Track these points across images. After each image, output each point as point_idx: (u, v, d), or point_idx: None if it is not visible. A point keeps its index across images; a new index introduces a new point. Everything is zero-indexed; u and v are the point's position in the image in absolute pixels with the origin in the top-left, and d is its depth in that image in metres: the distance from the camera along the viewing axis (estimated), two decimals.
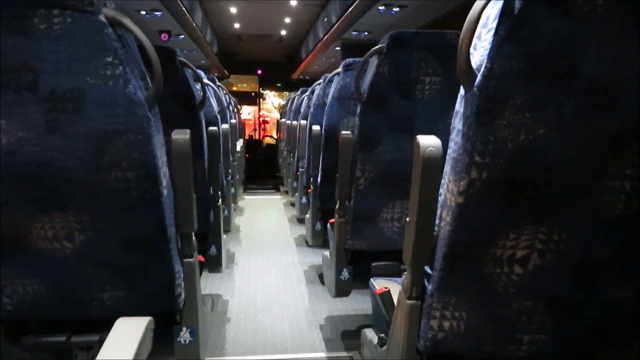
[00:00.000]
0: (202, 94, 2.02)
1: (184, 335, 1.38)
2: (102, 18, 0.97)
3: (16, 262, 1.15)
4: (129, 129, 1.03)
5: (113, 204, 1.10)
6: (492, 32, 0.82)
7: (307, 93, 4.15)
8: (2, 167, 1.03)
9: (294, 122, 4.84)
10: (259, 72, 11.56)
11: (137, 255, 1.18)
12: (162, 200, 1.12)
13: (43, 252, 1.14)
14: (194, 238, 1.38)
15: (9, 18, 0.96)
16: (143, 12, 3.81)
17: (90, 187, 1.07)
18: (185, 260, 1.34)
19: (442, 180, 0.96)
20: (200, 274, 1.67)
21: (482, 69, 0.82)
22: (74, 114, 1.01)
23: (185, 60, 1.88)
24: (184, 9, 4.19)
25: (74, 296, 1.21)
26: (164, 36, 4.80)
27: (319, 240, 3.09)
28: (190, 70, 1.92)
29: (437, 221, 0.98)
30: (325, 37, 5.67)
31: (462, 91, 0.89)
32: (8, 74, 0.98)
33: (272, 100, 12.29)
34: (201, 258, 1.50)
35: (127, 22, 1.00)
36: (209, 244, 2.38)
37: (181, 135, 1.24)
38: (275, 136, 10.44)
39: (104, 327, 1.25)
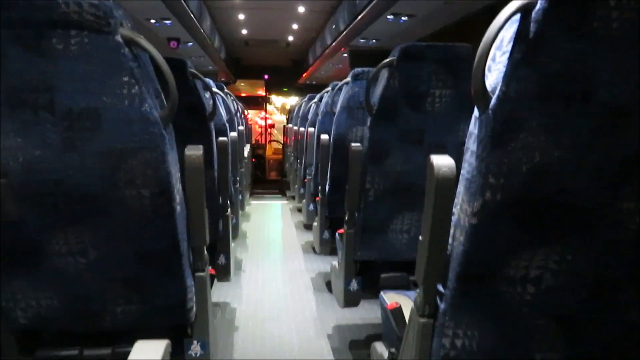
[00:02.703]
0: (212, 103, 2.04)
1: (195, 349, 1.39)
2: (118, 38, 0.99)
3: (31, 277, 1.17)
4: (144, 147, 1.04)
5: (127, 219, 1.11)
6: (507, 54, 0.83)
7: (315, 100, 4.16)
8: (19, 184, 1.05)
9: (302, 129, 4.85)
10: (266, 76, 11.59)
11: (149, 269, 1.19)
12: (175, 216, 1.14)
13: (57, 266, 1.15)
14: (205, 252, 1.38)
15: (27, 38, 0.98)
16: (153, 21, 3.83)
17: (105, 204, 1.08)
18: (197, 274, 1.35)
19: (456, 200, 0.96)
20: (212, 284, 1.68)
21: (497, 92, 0.82)
22: (90, 133, 1.02)
23: (195, 71, 1.89)
24: (193, 17, 4.21)
25: (87, 310, 1.22)
26: (173, 44, 4.82)
27: (327, 249, 3.09)
28: (199, 82, 1.94)
29: (450, 240, 0.98)
30: (333, 44, 5.68)
31: (476, 112, 0.89)
32: (25, 94, 0.99)
33: (274, 101, 12.30)
34: (212, 271, 1.51)
35: (143, 41, 1.02)
36: (217, 253, 2.39)
37: (194, 152, 1.25)
38: (281, 140, 10.47)
39: (116, 340, 1.26)
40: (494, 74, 0.85)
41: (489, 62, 0.87)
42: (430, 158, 0.97)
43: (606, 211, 0.89)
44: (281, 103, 12.05)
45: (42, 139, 1.02)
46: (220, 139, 2.23)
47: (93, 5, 0.97)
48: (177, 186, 1.15)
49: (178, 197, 1.15)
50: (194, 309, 1.32)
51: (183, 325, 1.34)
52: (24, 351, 1.27)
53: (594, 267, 0.94)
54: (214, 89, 2.41)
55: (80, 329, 1.26)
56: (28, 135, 1.01)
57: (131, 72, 1.00)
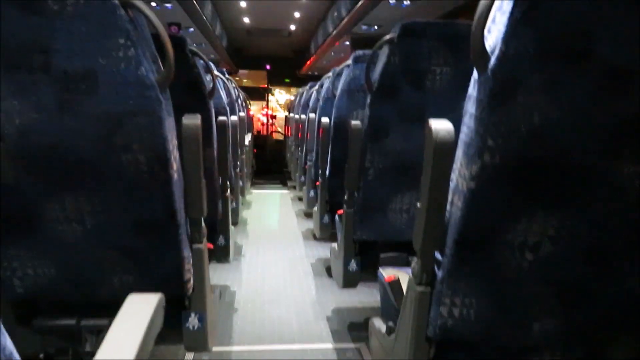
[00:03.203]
0: (212, 84, 2.02)
1: (193, 321, 1.39)
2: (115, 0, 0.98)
3: (27, 244, 1.16)
4: (141, 111, 1.03)
5: (124, 186, 1.10)
6: (507, 15, 0.81)
7: (316, 87, 4.14)
8: (15, 148, 1.04)
9: (303, 116, 4.83)
10: (268, 67, 11.55)
11: (146, 238, 1.18)
12: (172, 184, 1.13)
13: (54, 234, 1.15)
14: (203, 224, 1.38)
15: None
16: (153, 4, 3.82)
17: (101, 169, 1.08)
18: (194, 245, 1.34)
19: (454, 165, 0.95)
20: (210, 259, 1.67)
21: (497, 52, 0.81)
22: (86, 95, 1.01)
23: (195, 49, 1.88)
24: (194, 1, 4.19)
25: (84, 279, 1.22)
26: (174, 28, 4.81)
27: (326, 233, 3.09)
28: (201, 61, 1.93)
29: (448, 206, 0.97)
30: (335, 31, 5.64)
31: (475, 75, 0.88)
32: (21, 54, 0.99)
33: (277, 98, 12.20)
34: (210, 245, 1.50)
35: (140, 4, 1.01)
36: (217, 234, 2.39)
37: (192, 120, 1.24)
38: (282, 131, 10.45)
39: (113, 310, 1.26)
40: (494, 35, 0.84)
41: (488, 23, 0.86)
42: (428, 122, 0.96)
43: (606, 174, 0.88)
44: (285, 100, 11.94)
45: (38, 101, 1.01)
46: (220, 118, 2.22)
47: None
48: (174, 154, 1.14)
49: (175, 165, 1.14)
50: (192, 281, 1.32)
51: (181, 297, 1.34)
52: (21, 320, 1.27)
53: (593, 234, 0.93)
54: (215, 72, 2.39)
55: (78, 299, 1.25)
56: (24, 97, 1.01)
57: (127, 34, 0.99)
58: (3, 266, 1.18)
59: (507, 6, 0.82)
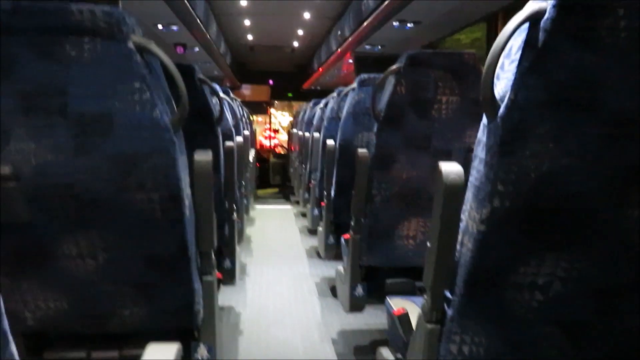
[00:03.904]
0: (219, 108, 2.05)
1: (202, 352, 1.40)
2: (130, 45, 1.00)
3: (40, 279, 1.18)
4: (155, 152, 1.05)
5: (136, 224, 1.12)
6: (516, 63, 0.84)
7: (321, 105, 4.18)
8: (31, 187, 1.06)
9: (307, 134, 4.86)
10: (271, 82, 11.61)
11: (158, 273, 1.20)
12: (184, 221, 1.15)
13: (66, 269, 1.16)
14: (213, 256, 1.40)
15: (41, 45, 0.99)
16: (160, 27, 3.86)
17: (115, 208, 1.10)
18: (205, 278, 1.36)
19: (464, 206, 0.97)
20: (219, 288, 1.69)
21: (506, 100, 0.83)
22: (102, 137, 1.03)
23: (203, 77, 1.91)
24: (199, 22, 4.24)
25: (95, 312, 1.23)
26: (180, 49, 4.85)
27: (331, 253, 3.10)
28: (206, 87, 1.96)
29: (457, 247, 0.99)
30: (338, 50, 5.70)
31: (484, 120, 0.90)
32: (39, 98, 1.01)
33: (280, 120, 12.15)
34: (219, 275, 1.52)
35: (155, 48, 1.03)
36: (223, 257, 2.40)
37: (204, 157, 1.26)
38: (285, 146, 10.47)
39: (124, 343, 1.27)
40: (503, 82, 0.86)
41: (497, 70, 0.88)
42: (438, 165, 0.98)
43: (614, 219, 0.89)
44: (287, 122, 11.89)
45: (54, 143, 1.03)
46: (227, 143, 2.24)
47: (106, 13, 0.98)
48: (187, 191, 1.16)
49: (187, 201, 1.16)
50: (201, 312, 1.33)
51: (190, 328, 1.35)
52: (31, 353, 1.28)
53: (602, 275, 0.94)
54: (221, 95, 2.43)
55: (88, 331, 1.26)
56: (40, 139, 1.03)
57: (142, 79, 1.01)
58: (15, 299, 1.20)
59: (516, 55, 0.85)
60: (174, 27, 3.87)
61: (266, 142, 11.49)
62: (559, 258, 0.92)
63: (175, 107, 1.11)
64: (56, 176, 1.06)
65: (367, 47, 4.71)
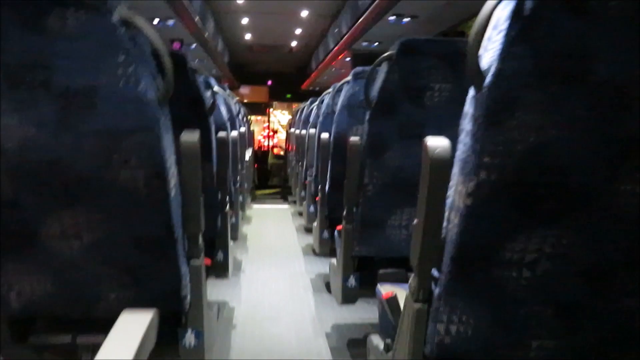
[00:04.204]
0: (211, 99, 2.04)
1: (189, 338, 1.38)
2: (115, 18, 0.99)
3: (24, 260, 1.16)
4: (139, 128, 1.04)
5: (121, 202, 1.10)
6: (503, 33, 0.82)
7: (317, 102, 4.17)
8: (14, 164, 1.05)
9: (303, 132, 4.85)
10: (269, 82, 11.62)
11: (144, 254, 1.18)
12: (170, 200, 1.13)
13: (51, 250, 1.15)
14: (201, 240, 1.38)
15: (25, 16, 0.98)
16: (156, 21, 3.86)
17: (100, 185, 1.08)
18: (192, 261, 1.34)
19: (451, 182, 0.95)
20: (208, 276, 1.67)
21: (492, 70, 0.82)
22: (86, 112, 1.02)
23: (195, 66, 1.90)
24: (196, 18, 4.24)
25: (81, 295, 1.22)
26: (176, 45, 4.85)
27: (326, 248, 3.08)
28: (201, 77, 1.94)
29: (444, 223, 0.97)
30: (336, 47, 5.70)
31: (471, 92, 0.89)
32: (22, 72, 1.00)
33: (280, 119, 12.15)
34: (208, 261, 1.50)
35: (140, 22, 1.02)
36: (216, 249, 2.38)
37: (190, 136, 1.25)
38: (282, 146, 10.47)
39: (110, 327, 1.25)
40: (490, 53, 0.85)
41: (484, 41, 0.87)
42: (425, 139, 0.96)
43: (604, 193, 0.88)
44: (287, 120, 11.90)
45: (38, 117, 1.02)
46: (220, 133, 2.23)
47: None
48: (173, 170, 1.14)
49: (173, 181, 1.15)
50: (189, 297, 1.31)
51: (177, 313, 1.33)
52: (17, 337, 1.26)
53: (591, 252, 0.93)
54: (215, 88, 2.41)
55: (74, 316, 1.25)
56: (24, 113, 1.01)
57: (127, 52, 1.00)
58: (0, 282, 1.18)
59: (503, 24, 0.83)
60: (170, 22, 3.87)
61: (265, 142, 11.49)
62: (547, 234, 0.91)
63: (161, 83, 1.10)
64: (40, 151, 1.04)
65: (364, 44, 4.72)
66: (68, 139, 1.03)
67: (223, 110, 2.76)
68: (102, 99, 1.02)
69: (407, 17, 3.52)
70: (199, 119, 1.94)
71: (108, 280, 1.20)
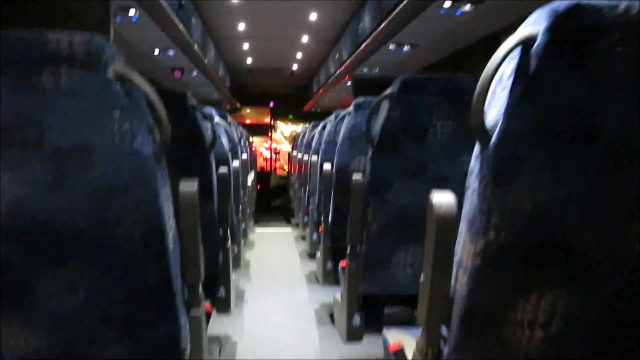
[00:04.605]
0: (212, 134, 2.02)
1: None
2: (110, 74, 0.97)
3: (18, 316, 1.13)
4: (135, 184, 1.01)
5: (118, 259, 1.07)
6: (507, 90, 0.80)
7: (319, 128, 4.16)
8: (5, 223, 1.02)
9: (305, 156, 4.84)
10: (271, 104, 11.66)
11: (141, 309, 1.15)
12: (167, 254, 1.10)
13: (45, 306, 1.11)
14: (200, 289, 1.34)
15: (17, 75, 0.96)
16: (156, 52, 3.87)
17: (95, 243, 1.05)
18: (192, 312, 1.30)
19: (458, 238, 0.92)
20: (209, 320, 1.63)
21: (498, 129, 0.80)
22: (79, 170, 0.99)
23: (195, 104, 1.89)
24: (196, 47, 4.26)
25: (77, 352, 1.18)
26: (177, 73, 4.86)
27: (330, 279, 3.04)
28: (199, 113, 1.93)
29: (452, 281, 0.94)
30: (337, 73, 5.73)
31: (476, 149, 0.86)
32: (14, 131, 0.97)
33: (282, 130, 12.19)
34: (208, 307, 1.47)
35: (135, 77, 1.00)
36: (217, 286, 2.34)
37: (188, 187, 1.22)
38: (286, 168, 10.45)
39: None
40: (495, 110, 0.82)
41: (489, 97, 0.84)
42: (430, 196, 0.93)
43: (615, 253, 0.84)
44: (290, 131, 11.93)
45: (30, 176, 0.99)
46: (221, 169, 2.21)
47: (84, 42, 0.95)
48: (170, 223, 1.11)
49: (171, 234, 1.12)
50: (188, 348, 1.27)
51: None
52: None
53: (604, 311, 0.89)
54: (216, 119, 2.40)
55: None
56: (16, 173, 0.99)
57: (122, 109, 0.98)
58: None
59: (508, 81, 0.81)
60: (171, 52, 3.88)
61: (267, 164, 11.48)
62: (558, 294, 0.87)
63: (158, 137, 1.08)
64: (32, 211, 1.01)
65: (365, 69, 4.73)
66: (61, 198, 1.01)
67: (224, 140, 2.75)
68: (96, 157, 0.99)
69: (407, 45, 3.53)
70: (199, 155, 1.93)
71: (104, 336, 1.16)
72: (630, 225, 0.82)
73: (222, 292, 2.37)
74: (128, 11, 2.83)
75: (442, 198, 0.93)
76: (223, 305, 2.39)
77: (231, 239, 2.57)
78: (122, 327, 1.16)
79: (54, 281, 1.09)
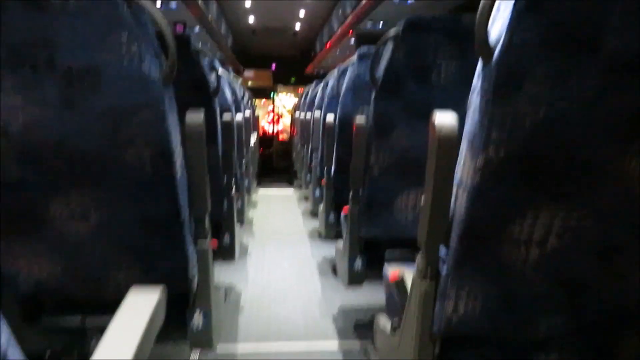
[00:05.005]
0: (216, 82, 2.02)
1: (197, 319, 1.38)
2: None
3: (32, 241, 1.16)
4: (144, 106, 1.03)
5: (128, 182, 1.10)
6: (511, 4, 0.80)
7: (322, 85, 4.13)
8: (19, 144, 1.04)
9: (308, 115, 4.83)
10: (273, 66, 11.54)
11: (151, 235, 1.18)
12: (176, 180, 1.13)
13: (59, 231, 1.15)
14: (207, 222, 1.38)
15: None
16: (158, 4, 3.82)
17: (106, 165, 1.07)
18: (199, 243, 1.34)
19: (459, 159, 0.94)
20: (214, 258, 1.67)
21: (501, 41, 0.80)
22: (90, 91, 1.01)
23: (200, 48, 1.88)
24: (199, 1, 4.20)
25: (89, 276, 1.22)
26: (179, 27, 4.81)
27: (332, 232, 3.08)
28: (205, 60, 1.93)
29: (452, 200, 0.96)
30: (340, 29, 5.64)
31: (479, 66, 0.87)
32: (25, 51, 0.98)
33: (284, 103, 12.05)
34: (214, 243, 1.50)
35: (143, 0, 1.00)
36: (222, 233, 2.38)
37: (195, 117, 1.24)
38: (287, 132, 10.42)
39: (118, 308, 1.26)
40: (498, 24, 0.83)
41: (493, 12, 0.85)
42: (433, 115, 0.95)
43: (614, 168, 0.86)
44: (292, 104, 11.78)
45: (42, 97, 1.01)
46: (225, 116, 2.22)
47: None
48: (178, 150, 1.14)
49: (179, 161, 1.14)
50: (196, 278, 1.32)
51: (185, 294, 1.34)
52: (26, 319, 1.27)
53: (600, 229, 0.91)
54: (219, 69, 2.39)
55: (83, 296, 1.25)
56: (28, 93, 1.01)
57: (130, 30, 0.98)
58: (8, 262, 1.18)
59: None
60: (173, 4, 3.82)
61: (269, 128, 11.43)
62: (556, 211, 0.89)
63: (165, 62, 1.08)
64: (45, 132, 1.03)
65: (369, 24, 4.65)
66: (73, 118, 1.03)
67: (227, 92, 2.74)
68: (105, 78, 1.01)
69: None
70: (203, 100, 1.93)
71: (116, 260, 1.20)
72: (632, 140, 0.83)
73: (226, 239, 2.41)
74: None
75: (444, 118, 0.94)
76: (227, 252, 2.43)
77: (235, 188, 2.60)
78: (133, 253, 1.20)
79: (67, 206, 1.12)
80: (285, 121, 11.50)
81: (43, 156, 1.06)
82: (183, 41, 1.81)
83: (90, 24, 0.98)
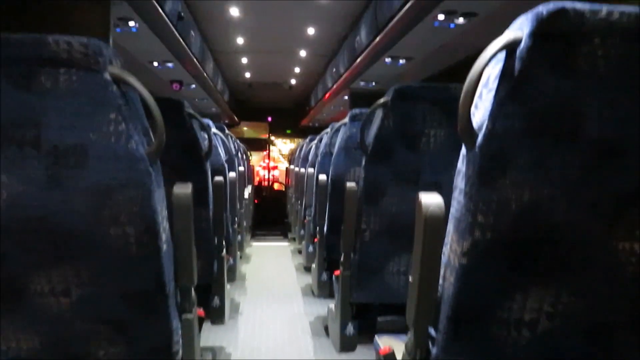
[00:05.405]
0: (208, 143, 2.04)
1: None
2: (107, 76, 0.99)
3: (11, 316, 1.13)
4: (130, 184, 1.03)
5: (111, 258, 1.08)
6: (493, 92, 0.82)
7: (315, 141, 4.19)
8: (2, 220, 1.03)
9: (302, 170, 4.86)
10: (269, 118, 11.72)
11: (134, 310, 1.15)
12: (161, 255, 1.11)
13: (39, 306, 1.12)
14: (193, 293, 1.35)
15: (16, 76, 0.98)
16: (155, 64, 3.91)
17: (89, 242, 1.06)
18: (184, 315, 1.31)
19: (446, 239, 0.94)
20: (201, 326, 1.63)
21: (484, 129, 0.82)
22: (76, 169, 1.01)
23: (192, 112, 1.91)
24: (195, 60, 4.30)
25: (70, 352, 1.18)
26: (176, 86, 4.90)
27: (325, 290, 3.03)
28: (197, 123, 1.96)
29: (440, 281, 0.95)
30: (334, 86, 5.78)
31: (463, 150, 0.88)
32: (12, 130, 0.99)
33: (280, 148, 12.20)
34: (201, 313, 1.47)
35: (132, 80, 1.02)
36: (211, 295, 2.34)
37: (182, 190, 1.24)
38: (283, 182, 10.46)
39: None
40: (481, 111, 0.85)
41: (475, 99, 0.87)
42: (419, 196, 0.95)
43: (601, 251, 0.86)
44: (288, 150, 11.94)
45: (27, 175, 1.01)
46: (216, 178, 2.22)
47: (82, 44, 0.98)
48: (164, 225, 1.13)
49: (164, 235, 1.13)
50: (180, 353, 1.27)
51: None
52: None
53: (591, 310, 0.90)
54: (213, 130, 2.43)
55: None
56: (13, 171, 1.01)
57: (118, 109, 1.00)
58: None
59: (494, 83, 0.83)
60: (170, 64, 3.92)
61: (264, 174, 11.48)
62: (545, 293, 0.88)
63: (153, 139, 1.09)
64: (28, 209, 1.03)
65: (362, 83, 4.77)
66: (57, 196, 1.02)
67: (221, 152, 2.77)
68: (92, 156, 1.01)
69: (402, 58, 3.58)
70: (194, 164, 1.94)
71: (97, 337, 1.17)
72: (617, 222, 0.84)
73: (216, 301, 2.36)
74: (128, 22, 2.86)
75: (430, 199, 0.94)
76: (217, 315, 2.38)
77: (226, 250, 2.57)
78: (115, 329, 1.17)
79: (48, 281, 1.10)
80: (281, 167, 11.58)
81: (25, 232, 1.04)
82: (176, 105, 1.84)
83: (79, 104, 0.99)
